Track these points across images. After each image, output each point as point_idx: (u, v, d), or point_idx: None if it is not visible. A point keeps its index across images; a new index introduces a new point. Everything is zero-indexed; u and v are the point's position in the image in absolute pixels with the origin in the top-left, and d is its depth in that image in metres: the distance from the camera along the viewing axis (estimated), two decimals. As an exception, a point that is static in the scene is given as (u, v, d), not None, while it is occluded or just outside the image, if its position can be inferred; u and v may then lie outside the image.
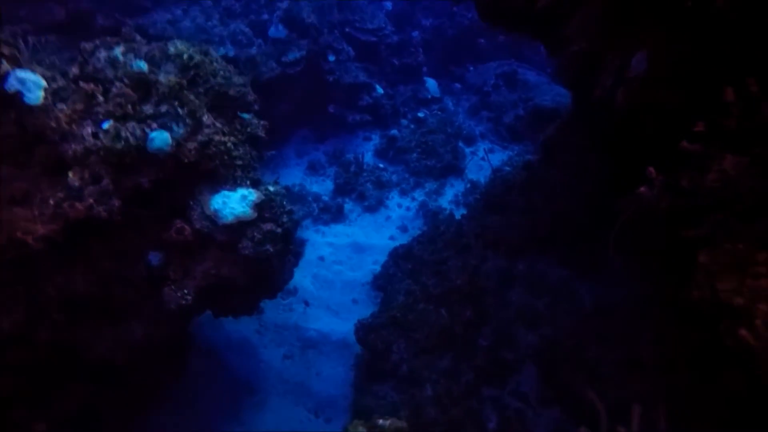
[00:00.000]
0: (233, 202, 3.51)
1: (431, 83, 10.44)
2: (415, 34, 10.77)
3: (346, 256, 7.30)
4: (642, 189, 2.12)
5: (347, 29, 9.25)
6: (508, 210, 6.02)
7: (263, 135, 4.61)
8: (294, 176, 8.47)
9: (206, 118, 3.48)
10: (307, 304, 6.69)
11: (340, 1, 9.38)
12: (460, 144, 9.23)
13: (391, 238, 7.56)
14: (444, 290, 4.98)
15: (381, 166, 8.48)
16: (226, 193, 3.55)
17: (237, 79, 3.79)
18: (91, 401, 4.41)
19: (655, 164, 2.22)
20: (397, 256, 5.91)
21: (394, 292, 5.37)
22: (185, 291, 3.49)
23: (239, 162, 4.06)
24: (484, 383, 4.79)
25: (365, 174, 8.16)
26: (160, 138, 3.20)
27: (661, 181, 2.04)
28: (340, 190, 8.04)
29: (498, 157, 9.44)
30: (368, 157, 8.76)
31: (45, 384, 4.11)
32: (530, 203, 5.97)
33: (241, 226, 3.52)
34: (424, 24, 11.53)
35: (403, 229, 7.69)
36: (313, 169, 8.53)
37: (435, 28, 11.73)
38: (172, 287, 3.48)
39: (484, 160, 9.35)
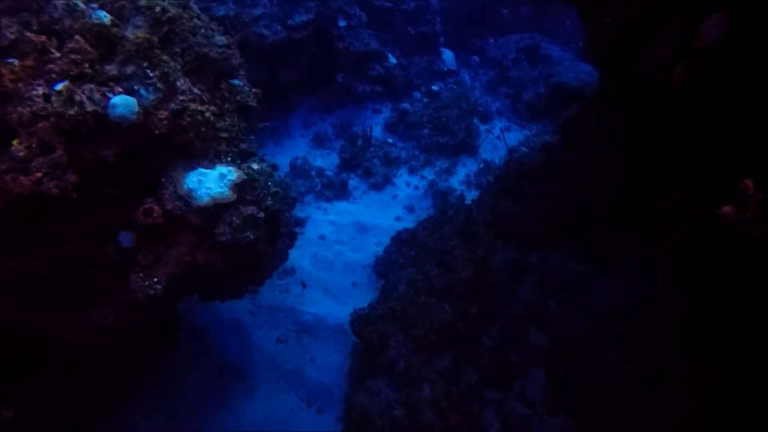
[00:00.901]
0: (210, 181, 3.04)
1: (448, 55, 9.77)
2: (434, 1, 10.04)
3: (348, 236, 6.85)
4: (727, 208, 1.56)
5: (361, -7, 8.58)
6: (523, 196, 5.48)
7: (254, 104, 4.11)
8: (298, 148, 7.97)
9: (181, 83, 2.98)
10: (304, 285, 6.27)
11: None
12: (475, 121, 8.63)
13: (397, 218, 7.07)
14: (448, 283, 4.51)
15: (390, 141, 7.93)
16: (202, 170, 3.07)
17: (220, 39, 3.27)
18: (63, 387, 4.07)
19: (722, 163, 1.69)
20: (400, 240, 5.43)
21: (395, 281, 4.91)
22: (155, 279, 3.05)
23: (224, 134, 3.57)
24: (487, 386, 4.36)
25: (373, 149, 7.62)
26: (124, 104, 2.71)
27: (761, 200, 1.48)
28: (346, 165, 7.53)
29: (515, 137, 8.83)
30: (377, 131, 8.21)
31: (11, 369, 3.76)
32: (547, 190, 5.42)
33: (218, 208, 3.06)
34: (444, -9, 10.78)
35: (410, 209, 7.20)
36: (319, 141, 8.01)
37: (455, -3, 10.98)
38: (140, 274, 3.04)
39: (499, 139, 8.75)
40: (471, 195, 7.48)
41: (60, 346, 3.67)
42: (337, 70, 8.18)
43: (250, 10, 6.72)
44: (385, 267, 5.45)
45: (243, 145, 4.79)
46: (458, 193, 7.23)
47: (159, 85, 2.89)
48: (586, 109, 5.77)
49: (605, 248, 4.98)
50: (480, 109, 8.94)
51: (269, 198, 3.27)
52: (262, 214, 3.16)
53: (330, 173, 7.34)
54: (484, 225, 4.89)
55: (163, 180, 3.03)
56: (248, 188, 3.13)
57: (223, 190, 2.99)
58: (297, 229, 6.88)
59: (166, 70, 2.90)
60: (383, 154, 7.57)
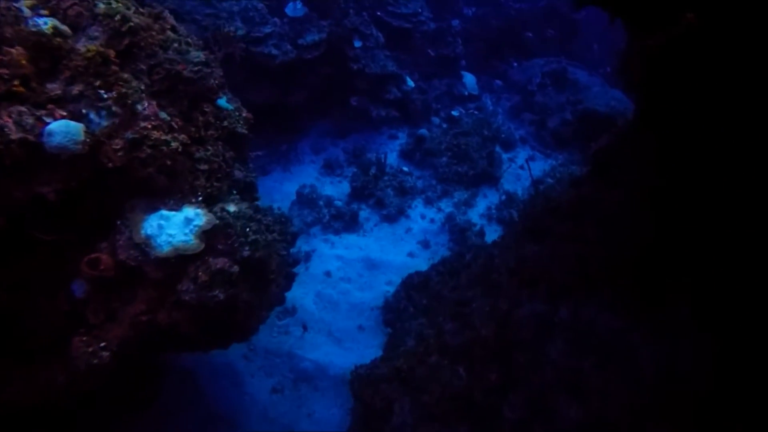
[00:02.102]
0: (173, 227, 2.45)
1: (469, 78, 9.20)
2: (455, 22, 9.53)
3: (356, 273, 6.21)
4: None
5: (378, 12, 8.09)
6: (551, 237, 4.80)
7: (245, 131, 3.55)
8: (307, 174, 7.41)
9: (144, 107, 2.42)
10: (305, 328, 5.63)
11: (373, -19, 8.23)
12: (497, 149, 7.99)
13: (410, 254, 6.43)
14: (464, 341, 3.83)
15: (405, 169, 7.32)
16: (165, 213, 2.49)
17: (196, 55, 2.71)
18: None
19: None
20: (411, 286, 4.77)
21: (404, 333, 4.25)
22: (101, 344, 2.46)
23: (203, 166, 3.01)
24: (509, 467, 3.64)
25: (387, 178, 7.02)
26: (64, 131, 2.15)
27: None
28: (357, 194, 6.93)
29: (539, 166, 8.17)
30: (392, 158, 7.61)
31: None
32: (579, 231, 4.72)
33: (181, 260, 2.46)
34: (466, 13, 10.27)
35: (425, 244, 6.55)
36: (330, 167, 7.44)
37: (478, 18, 10.45)
38: (84, 338, 2.45)
39: (523, 169, 8.09)
40: (492, 230, 6.82)
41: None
42: (352, 92, 7.65)
43: (259, 28, 6.25)
44: (393, 315, 4.79)
45: (238, 174, 4.26)
46: (478, 228, 6.57)
47: (114, 108, 2.33)
48: (620, 140, 5.11)
49: (645, 299, 4.26)
50: (502, 136, 8.31)
51: (246, 247, 2.67)
52: (235, 268, 2.55)
53: (339, 203, 6.75)
54: (507, 272, 4.21)
55: (119, 223, 2.45)
56: (220, 236, 2.54)
57: (187, 239, 2.40)
58: (301, 264, 6.29)
59: (124, 90, 2.34)
60: (398, 184, 6.96)
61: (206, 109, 3.26)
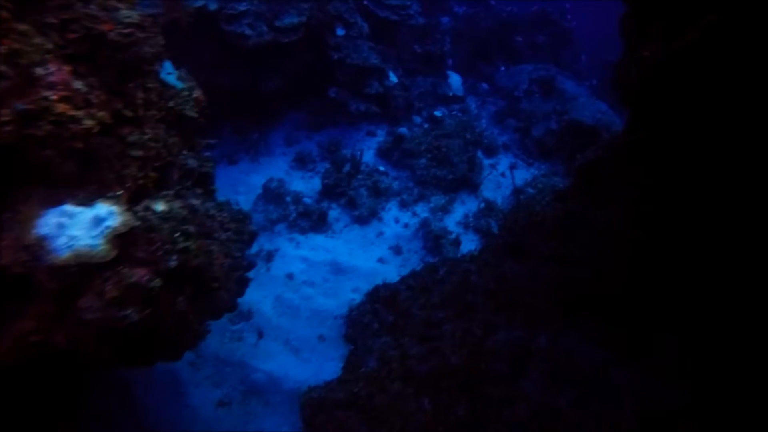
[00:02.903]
0: (77, 227, 1.90)
1: (455, 79, 8.74)
2: (445, 20, 9.06)
3: (320, 277, 5.69)
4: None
5: (365, 1, 7.56)
6: (534, 257, 4.38)
7: (194, 114, 2.99)
8: (277, 167, 6.84)
9: (46, 71, 1.87)
10: (261, 335, 5.09)
11: (361, -32, 7.69)
12: (479, 154, 7.56)
13: (380, 260, 5.94)
14: (432, 368, 3.36)
15: (381, 169, 6.82)
16: (68, 209, 1.94)
17: (126, 14, 2.15)
18: None
19: None
20: (378, 299, 4.28)
21: (365, 351, 3.77)
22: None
23: (137, 152, 2.45)
24: None
25: (361, 176, 6.51)
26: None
27: None
28: (328, 192, 6.40)
29: (521, 175, 7.76)
30: (368, 156, 7.10)
31: None
32: (563, 251, 4.31)
33: (85, 269, 1.92)
34: (456, 11, 9.81)
35: (397, 250, 6.06)
36: (302, 161, 6.90)
37: (468, 18, 10.00)
38: (-50, 362, 1.89)
39: (504, 177, 7.68)
40: (468, 239, 6.38)
41: None
42: (331, 83, 7.11)
43: (233, 5, 5.66)
44: (355, 330, 4.30)
45: (191, 163, 3.70)
46: (453, 236, 6.12)
47: (5, 68, 1.77)
48: (608, 154, 4.72)
49: (630, 331, 3.87)
50: (485, 141, 7.88)
51: (174, 256, 2.13)
52: (157, 282, 2.02)
53: (308, 200, 6.21)
54: (484, 293, 3.76)
55: (5, 217, 1.89)
56: (141, 241, 2.00)
57: (93, 243, 1.86)
58: (262, 263, 5.75)
59: (18, 46, 1.78)
60: (372, 184, 6.45)
61: (150, 86, 2.70)
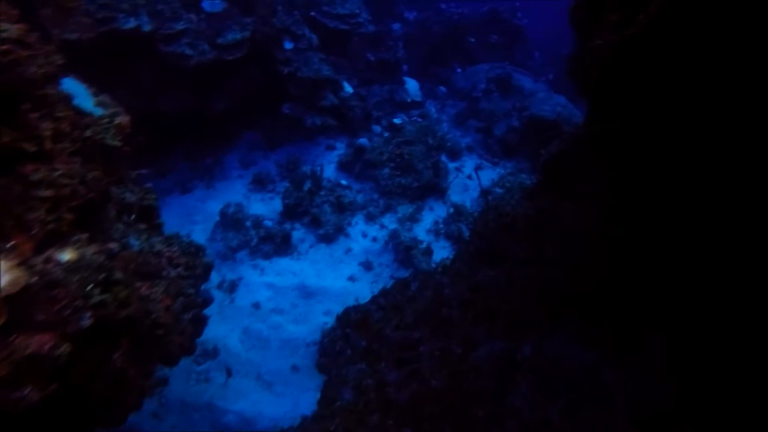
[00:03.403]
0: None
1: (412, 84, 8.55)
2: (396, 26, 8.87)
3: (289, 303, 5.34)
4: None
5: (312, 13, 7.30)
6: (508, 260, 4.15)
7: (117, 143, 2.66)
8: (234, 191, 6.48)
9: None
10: (229, 373, 4.71)
11: (305, -21, 7.44)
12: (443, 158, 7.35)
13: (351, 278, 5.63)
14: (412, 395, 3.07)
15: (344, 183, 6.54)
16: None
17: (3, 29, 1.81)
18: None
19: None
20: (348, 323, 3.97)
21: (340, 382, 3.45)
22: None
23: (45, 192, 2.11)
24: None
25: (323, 193, 6.20)
26: None
27: None
28: (290, 212, 6.07)
29: (488, 175, 7.59)
30: (329, 171, 6.81)
31: None
32: (538, 252, 4.10)
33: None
34: (407, 17, 9.65)
35: (367, 266, 5.77)
36: (260, 183, 6.55)
37: (419, 23, 9.85)
38: None
39: (471, 179, 7.49)
40: (439, 247, 6.14)
41: None
42: (283, 99, 6.81)
43: (170, 25, 5.31)
44: (328, 359, 3.97)
45: (129, 197, 3.36)
46: (424, 245, 5.86)
47: None
48: (571, 147, 4.55)
49: (616, 328, 3.66)
50: (448, 144, 7.68)
51: (87, 313, 1.79)
52: (65, 348, 1.67)
53: (270, 223, 5.87)
54: (460, 305, 3.50)
55: None
56: (41, 301, 1.65)
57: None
58: (225, 295, 5.37)
59: None
60: (335, 199, 6.15)
61: (60, 114, 2.36)
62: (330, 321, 4.99)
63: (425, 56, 9.49)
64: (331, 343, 3.98)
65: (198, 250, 3.95)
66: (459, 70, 9.54)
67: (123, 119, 2.67)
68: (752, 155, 2.51)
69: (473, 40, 9.77)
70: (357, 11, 7.64)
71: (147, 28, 5.11)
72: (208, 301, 3.84)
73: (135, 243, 3.35)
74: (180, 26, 5.35)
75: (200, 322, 3.71)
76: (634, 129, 3.54)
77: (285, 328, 5.10)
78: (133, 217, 3.59)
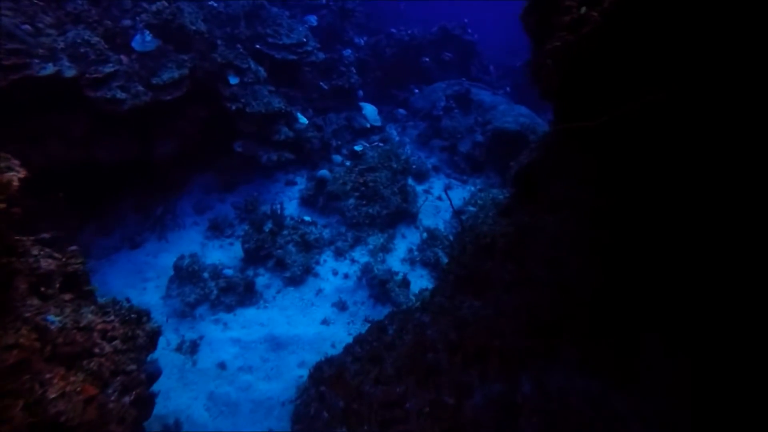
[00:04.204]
0: None
1: (369, 109, 8.19)
2: (347, 52, 8.55)
3: (259, 358, 4.76)
4: None
5: (257, 45, 6.90)
6: (492, 286, 3.71)
7: (1, 205, 2.13)
8: (190, 240, 5.91)
9: None
10: (194, 449, 4.10)
11: (248, 11, 7.06)
12: (410, 181, 6.96)
13: (325, 322, 5.10)
14: (403, 465, 2.55)
15: (307, 219, 6.05)
16: None
17: None
18: None
19: None
20: (322, 380, 3.43)
21: (318, 454, 2.89)
22: None
23: None
24: None
25: (286, 232, 5.69)
26: None
27: None
28: (252, 257, 5.53)
29: (458, 194, 7.22)
30: (291, 208, 6.32)
31: None
32: (524, 273, 3.68)
33: None
34: (357, 42, 9.36)
35: (341, 306, 5.25)
36: (217, 228, 6.01)
37: (371, 47, 9.58)
38: None
39: (441, 200, 7.11)
40: (416, 276, 5.67)
41: None
42: (235, 137, 6.34)
43: (97, 68, 4.80)
44: (302, 425, 3.40)
45: (45, 265, 2.82)
46: (400, 276, 5.39)
47: None
48: (543, 154, 4.20)
49: (617, 348, 3.24)
50: (414, 167, 7.31)
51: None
52: None
53: (230, 271, 5.31)
54: (446, 347, 3.02)
55: None
56: None
57: None
58: (186, 357, 4.76)
59: None
60: (300, 237, 5.65)
61: None
62: (306, 374, 4.44)
63: (380, 80, 9.19)
64: (305, 405, 3.43)
65: (140, 315, 3.38)
66: (416, 90, 9.26)
67: (11, 177, 2.14)
68: (730, 143, 2.20)
69: (427, 59, 9.54)
70: (304, 39, 7.29)
71: (69, 73, 4.59)
72: (155, 375, 3.26)
73: (54, 320, 2.78)
74: (108, 69, 4.85)
75: (147, 403, 3.13)
76: (606, 126, 3.20)
77: (256, 388, 4.52)
78: (56, 287, 3.03)
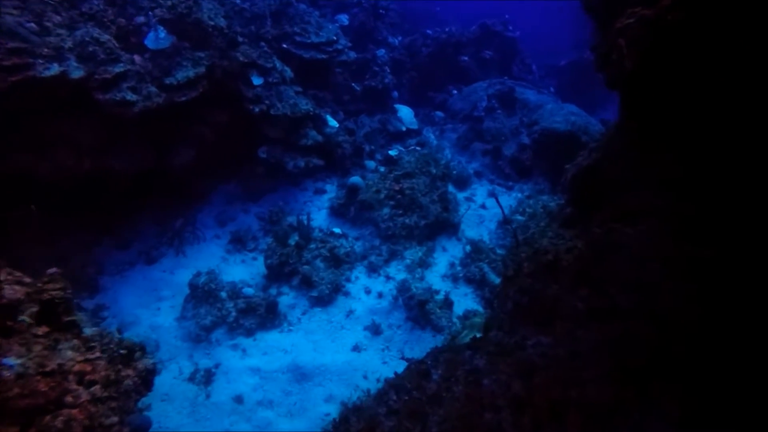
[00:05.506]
0: None
1: (405, 112, 7.51)
2: (381, 52, 7.92)
3: (280, 391, 4.10)
4: None
5: (284, 45, 6.35)
6: (561, 316, 2.93)
7: None
8: (210, 255, 5.34)
9: None
10: (203, 502, 3.45)
11: (274, 10, 6.53)
12: (450, 188, 6.22)
13: (356, 348, 4.40)
14: None
15: (337, 231, 5.38)
16: None
17: None
18: None
19: None
20: (349, 435, 2.71)
21: None
22: None
23: None
24: None
25: (313, 245, 5.05)
26: None
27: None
28: (275, 274, 4.91)
29: (504, 202, 6.41)
30: (320, 219, 5.68)
31: None
32: (603, 300, 2.87)
33: None
34: (392, 42, 8.71)
35: (375, 330, 4.54)
36: (240, 242, 5.42)
37: (406, 47, 8.92)
38: None
39: (485, 208, 6.32)
40: (460, 295, 4.90)
41: None
42: (259, 142, 5.77)
43: (106, 68, 4.30)
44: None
45: (9, 293, 2.24)
46: (441, 296, 4.66)
47: None
48: (609, 154, 3.43)
49: (732, 394, 2.40)
50: (454, 173, 6.57)
51: None
52: None
53: (250, 290, 4.70)
54: (509, 403, 2.27)
55: None
56: None
57: None
58: (200, 388, 4.15)
59: None
60: (328, 251, 4.99)
61: None
62: (333, 411, 3.76)
63: (416, 81, 8.52)
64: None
65: (132, 351, 2.78)
66: (455, 91, 8.53)
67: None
68: None
69: (466, 58, 8.80)
70: (334, 38, 6.69)
71: (77, 74, 4.11)
72: (142, 429, 2.64)
73: (13, 363, 2.20)
74: (119, 69, 4.35)
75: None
76: (696, 115, 2.46)
77: (276, 427, 3.86)
78: (26, 319, 2.45)
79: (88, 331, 2.73)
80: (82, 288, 4.57)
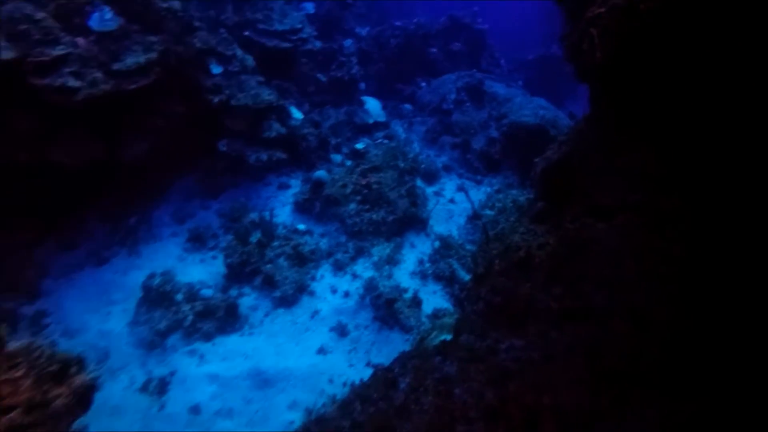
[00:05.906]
0: None
1: (372, 103, 7.28)
2: (348, 42, 7.65)
3: (241, 399, 3.85)
4: None
5: (246, 32, 6.02)
6: (534, 316, 2.78)
7: None
8: (167, 255, 5.00)
9: None
10: None
11: (234, -3, 6.19)
12: (419, 183, 6.05)
13: (321, 351, 4.18)
14: None
15: (302, 227, 5.13)
16: None
17: None
18: None
19: None
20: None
21: None
22: None
23: None
24: None
25: (276, 243, 4.79)
26: None
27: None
28: (235, 274, 4.63)
29: (473, 196, 6.29)
30: (284, 215, 5.41)
31: None
32: (574, 299, 2.74)
33: None
34: (359, 32, 8.45)
35: (341, 331, 4.33)
36: (199, 240, 5.11)
37: (374, 37, 8.67)
38: None
39: (454, 203, 6.17)
40: (429, 293, 4.73)
41: None
42: (219, 135, 5.44)
43: (42, 50, 3.92)
44: None
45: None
46: (410, 294, 4.48)
47: None
48: (580, 147, 3.35)
49: (713, 397, 2.30)
50: (422, 166, 6.39)
51: None
52: None
53: (208, 291, 4.41)
54: (482, 414, 2.10)
55: None
56: None
57: None
58: (153, 398, 3.85)
59: None
60: (292, 249, 4.74)
61: None
62: (297, 420, 3.54)
63: (384, 72, 8.29)
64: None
65: (67, 365, 2.49)
66: (423, 84, 8.35)
67: None
68: None
69: (435, 50, 8.63)
70: (299, 26, 6.40)
71: (6, 55, 3.71)
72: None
73: None
74: (58, 51, 3.98)
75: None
76: (671, 106, 2.45)
77: (236, 438, 3.60)
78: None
79: (14, 345, 2.43)
80: (19, 293, 4.19)
